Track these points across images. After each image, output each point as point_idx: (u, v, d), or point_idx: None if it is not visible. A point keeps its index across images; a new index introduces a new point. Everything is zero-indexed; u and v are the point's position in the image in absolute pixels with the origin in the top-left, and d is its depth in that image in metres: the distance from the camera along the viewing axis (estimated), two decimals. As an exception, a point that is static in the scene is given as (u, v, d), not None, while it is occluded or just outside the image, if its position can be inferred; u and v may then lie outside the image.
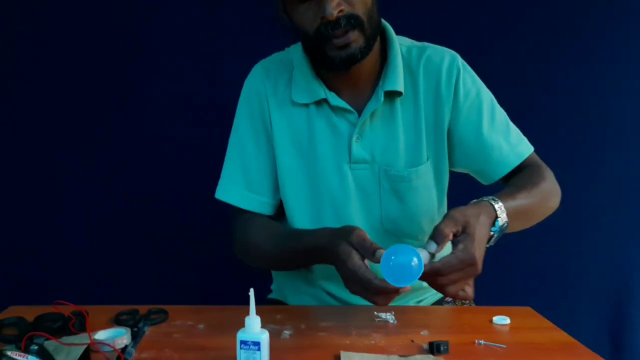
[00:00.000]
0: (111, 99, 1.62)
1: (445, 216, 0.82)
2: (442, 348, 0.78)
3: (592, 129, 1.65)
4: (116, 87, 1.61)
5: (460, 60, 1.05)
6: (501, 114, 1.07)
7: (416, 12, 1.54)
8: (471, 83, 1.05)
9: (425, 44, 1.07)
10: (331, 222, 1.02)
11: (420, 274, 0.75)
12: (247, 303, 0.71)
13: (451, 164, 1.08)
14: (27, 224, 1.62)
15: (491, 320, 0.92)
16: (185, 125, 1.63)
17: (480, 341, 0.83)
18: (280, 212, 1.10)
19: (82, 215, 1.63)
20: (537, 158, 1.07)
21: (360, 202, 1.04)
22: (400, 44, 1.05)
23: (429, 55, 1.04)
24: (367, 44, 0.94)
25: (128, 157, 1.63)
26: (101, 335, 0.79)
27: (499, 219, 0.85)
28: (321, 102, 1.02)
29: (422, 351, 0.80)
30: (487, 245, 0.85)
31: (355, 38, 0.92)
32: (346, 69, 0.96)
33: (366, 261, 0.81)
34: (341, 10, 0.90)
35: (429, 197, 1.06)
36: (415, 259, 0.75)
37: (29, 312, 0.89)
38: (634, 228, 1.66)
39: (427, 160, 1.04)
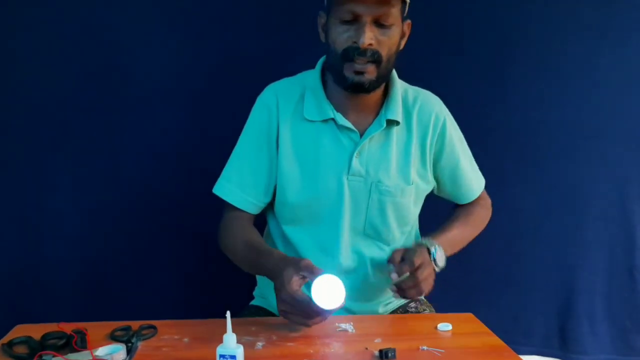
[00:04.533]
0: (100, 106, 1.65)
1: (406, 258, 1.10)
2: (389, 355, 0.93)
3: (537, 136, 1.77)
4: (104, 94, 1.65)
5: (445, 109, 1.29)
6: (468, 150, 1.33)
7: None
8: (453, 128, 1.28)
9: (417, 88, 1.29)
10: (325, 223, 1.21)
11: (343, 301, 0.95)
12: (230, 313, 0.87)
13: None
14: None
15: (436, 327, 1.08)
16: (169, 143, 1.69)
17: (423, 347, 0.99)
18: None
19: (63, 227, 1.68)
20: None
21: (351, 208, 1.21)
22: (399, 84, 1.25)
23: (422, 100, 1.26)
24: (377, 80, 1.14)
25: (108, 174, 1.68)
26: (101, 351, 0.92)
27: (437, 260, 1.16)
28: (328, 121, 1.20)
29: (373, 358, 0.95)
30: (438, 269, 1.16)
31: (371, 71, 1.11)
32: (353, 91, 1.15)
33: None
34: (371, 44, 1.09)
35: (407, 213, 1.26)
36: (339, 286, 0.94)
37: (35, 331, 1.01)
38: (577, 229, 1.79)
39: (412, 184, 1.23)
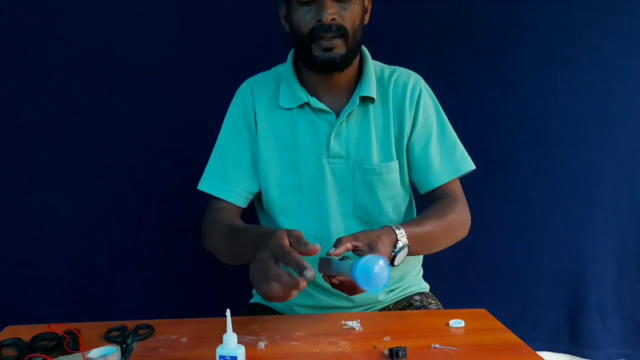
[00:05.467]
0: (88, 106, 1.63)
1: (351, 234, 0.99)
2: (400, 354, 0.88)
3: (545, 126, 1.74)
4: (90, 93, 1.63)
5: (423, 82, 1.23)
6: (450, 135, 1.23)
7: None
8: (430, 102, 1.22)
9: (395, 67, 1.25)
10: (311, 211, 1.18)
11: (389, 279, 0.84)
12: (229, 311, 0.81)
13: None
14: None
15: (448, 324, 1.02)
16: (166, 140, 1.67)
17: (435, 345, 0.93)
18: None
19: (56, 225, 1.65)
20: (459, 189, 1.23)
21: (337, 192, 1.19)
22: (374, 64, 1.24)
23: (398, 74, 1.23)
24: (347, 54, 1.13)
25: (101, 170, 1.65)
26: (94, 354, 0.86)
27: (399, 242, 1.02)
28: (304, 106, 1.19)
29: (383, 357, 0.89)
30: (394, 265, 1.03)
31: (339, 45, 1.11)
32: (326, 70, 1.14)
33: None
34: (334, 19, 1.09)
35: (395, 190, 1.22)
36: (385, 268, 0.83)
37: (25, 332, 0.96)
38: (586, 220, 1.76)
39: (395, 159, 1.19)
